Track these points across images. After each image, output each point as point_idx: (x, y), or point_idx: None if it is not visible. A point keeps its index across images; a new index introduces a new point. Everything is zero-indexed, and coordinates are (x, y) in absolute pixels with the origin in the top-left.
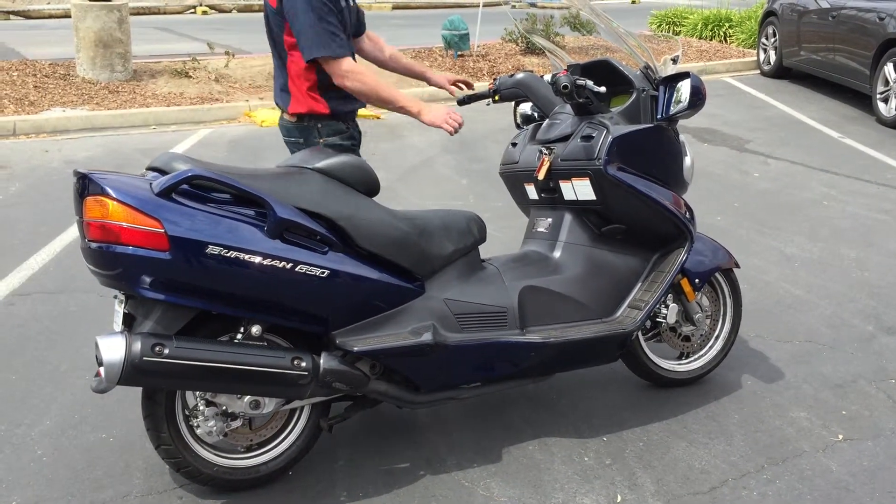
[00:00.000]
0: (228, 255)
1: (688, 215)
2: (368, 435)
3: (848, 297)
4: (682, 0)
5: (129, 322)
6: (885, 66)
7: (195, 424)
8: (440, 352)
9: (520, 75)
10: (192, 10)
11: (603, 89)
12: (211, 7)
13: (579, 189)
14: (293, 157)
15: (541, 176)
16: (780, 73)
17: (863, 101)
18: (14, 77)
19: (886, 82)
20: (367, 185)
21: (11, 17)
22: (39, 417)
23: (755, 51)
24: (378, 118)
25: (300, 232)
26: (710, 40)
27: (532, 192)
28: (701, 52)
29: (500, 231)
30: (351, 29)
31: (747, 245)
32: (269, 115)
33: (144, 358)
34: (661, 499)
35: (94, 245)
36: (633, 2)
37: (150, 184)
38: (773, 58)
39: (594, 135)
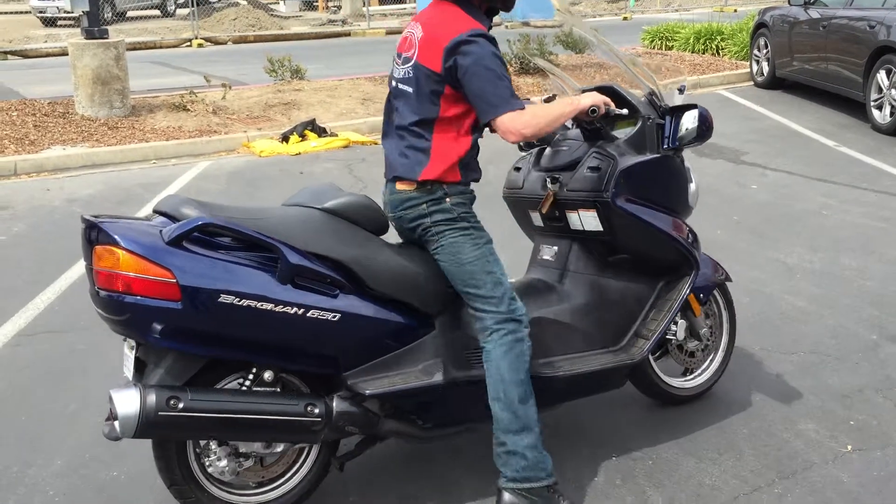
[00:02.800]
0: (240, 303)
1: (691, 239)
2: (380, 461)
3: (850, 306)
4: (673, 15)
5: (140, 367)
6: (878, 74)
7: (207, 464)
8: (450, 390)
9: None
10: (188, 44)
11: (625, 111)
12: (206, 40)
13: (586, 220)
14: (300, 195)
15: (545, 210)
16: (774, 83)
17: (857, 108)
18: (14, 117)
19: (880, 89)
20: (376, 223)
21: (9, 56)
22: (51, 457)
23: (748, 62)
24: (375, 143)
25: (311, 276)
26: (703, 54)
27: (537, 219)
28: (694, 66)
29: (501, 254)
30: None
31: (748, 257)
32: (267, 145)
33: (160, 413)
34: None
35: (103, 293)
36: (625, 18)
37: (160, 231)
38: (765, 69)
39: (601, 166)
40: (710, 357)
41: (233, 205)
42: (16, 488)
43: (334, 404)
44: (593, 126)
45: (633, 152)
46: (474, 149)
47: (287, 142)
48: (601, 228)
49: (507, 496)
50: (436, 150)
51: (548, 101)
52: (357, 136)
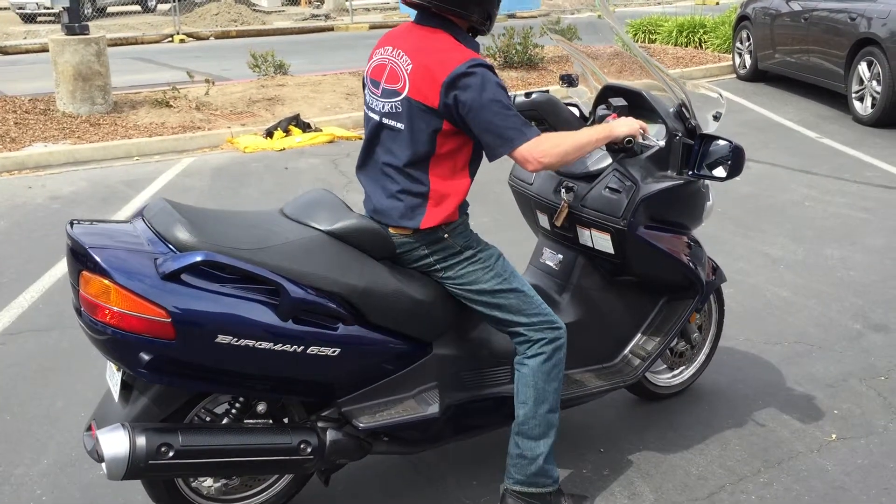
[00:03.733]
0: (238, 343)
1: (696, 253)
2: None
3: (834, 296)
4: (655, 9)
5: (126, 387)
6: (859, 66)
7: (193, 482)
8: (445, 415)
9: (537, 96)
10: (170, 39)
11: (661, 144)
12: (188, 35)
13: (598, 240)
14: (302, 206)
15: (559, 223)
16: (756, 76)
17: (838, 100)
18: None
19: (861, 81)
20: (381, 248)
21: None
22: (37, 457)
23: (730, 55)
24: (360, 139)
25: (313, 310)
26: (686, 47)
27: (544, 221)
28: (677, 59)
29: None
30: None
31: (732, 249)
32: (251, 141)
33: (150, 462)
34: None
35: (88, 317)
36: (599, 16)
37: (155, 260)
38: (748, 62)
39: (622, 189)
40: (697, 355)
41: (222, 210)
42: (1, 488)
43: (328, 438)
44: (623, 148)
45: (654, 169)
46: (471, 184)
47: (271, 137)
48: (612, 252)
49: (509, 500)
50: (434, 195)
51: (569, 82)
52: (342, 130)
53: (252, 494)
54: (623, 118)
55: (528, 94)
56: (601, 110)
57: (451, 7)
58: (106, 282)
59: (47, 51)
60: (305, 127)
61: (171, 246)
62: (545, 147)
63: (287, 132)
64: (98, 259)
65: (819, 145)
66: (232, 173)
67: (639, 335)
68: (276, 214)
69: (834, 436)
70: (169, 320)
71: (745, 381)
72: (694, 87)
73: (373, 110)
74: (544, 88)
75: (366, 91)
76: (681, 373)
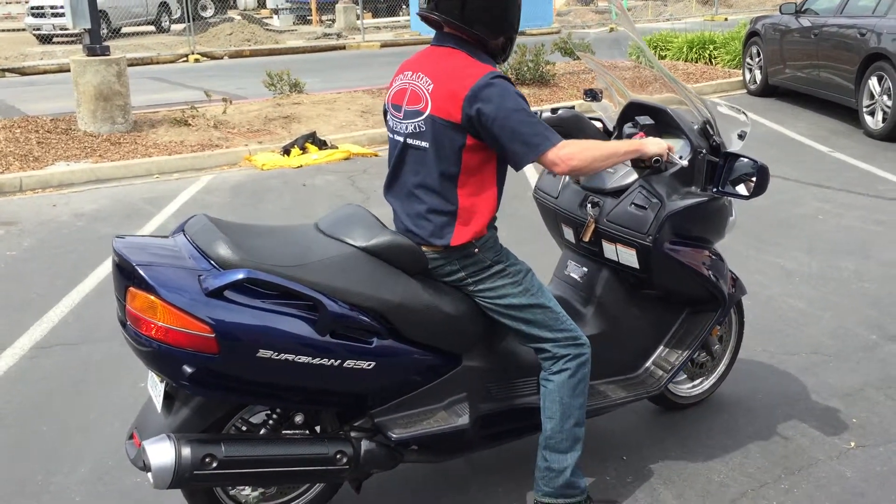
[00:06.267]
0: (278, 357)
1: (718, 267)
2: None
3: (849, 308)
4: (664, 25)
5: (168, 397)
6: (870, 80)
7: (231, 490)
8: (474, 426)
9: (563, 112)
10: (185, 59)
11: (685, 163)
12: (203, 55)
13: (623, 255)
14: (336, 221)
15: (586, 238)
16: (767, 91)
17: (849, 115)
18: (17, 134)
19: (871, 95)
20: (414, 264)
21: (7, 74)
22: (74, 466)
23: (740, 71)
24: (376, 155)
25: (350, 325)
26: (696, 62)
27: (569, 234)
28: (688, 75)
29: None
30: None
31: (747, 262)
32: (269, 158)
33: (195, 472)
34: None
35: (133, 330)
36: (611, 29)
37: (199, 277)
38: (758, 77)
39: (647, 206)
40: (718, 366)
41: (259, 224)
42: (40, 496)
43: (362, 448)
44: (649, 165)
45: (679, 186)
46: (499, 199)
47: (288, 155)
48: (637, 266)
49: None
50: (463, 212)
51: (593, 97)
52: (357, 148)
53: (287, 502)
54: (652, 138)
55: (554, 111)
56: (628, 128)
57: (455, 21)
58: (152, 298)
59: (64, 71)
60: (322, 144)
61: (213, 262)
62: (573, 150)
63: (304, 150)
64: (145, 276)
65: (831, 159)
66: (251, 190)
67: (661, 347)
68: (312, 230)
69: (853, 443)
70: (213, 335)
71: (764, 391)
72: (719, 107)
73: (397, 133)
74: (570, 104)
75: (388, 117)
76: (701, 383)
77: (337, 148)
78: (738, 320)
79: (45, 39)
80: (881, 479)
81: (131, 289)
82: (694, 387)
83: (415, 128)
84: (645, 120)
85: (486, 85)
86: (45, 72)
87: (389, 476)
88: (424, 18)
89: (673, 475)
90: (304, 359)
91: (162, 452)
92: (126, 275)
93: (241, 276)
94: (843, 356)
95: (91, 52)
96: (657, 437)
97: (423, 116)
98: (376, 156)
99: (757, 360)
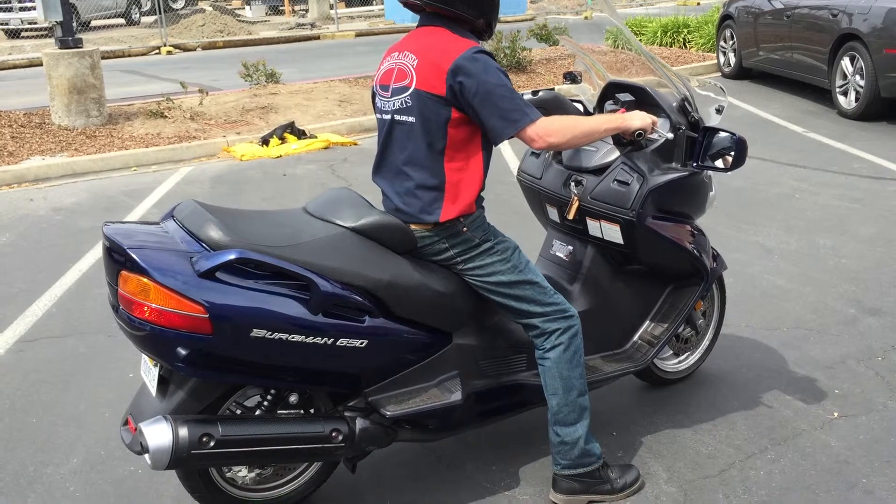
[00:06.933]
0: (272, 336)
1: (700, 241)
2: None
3: (828, 283)
4: (638, 10)
5: (163, 382)
6: (842, 61)
7: (227, 472)
8: (466, 402)
9: (543, 93)
10: (157, 51)
11: (671, 135)
12: (175, 47)
13: (607, 231)
14: (325, 203)
15: (570, 216)
16: (741, 73)
17: (823, 95)
18: None
19: (844, 76)
20: (403, 243)
21: None
22: (66, 456)
23: (714, 54)
24: (356, 144)
25: (342, 304)
26: (671, 47)
27: (554, 214)
28: (663, 59)
29: None
30: None
31: (728, 241)
32: (247, 149)
33: (193, 451)
34: (675, 485)
35: (126, 314)
36: (586, 17)
37: (191, 258)
38: (732, 60)
39: (629, 181)
40: (702, 341)
41: (249, 209)
42: (34, 487)
43: (357, 426)
44: (631, 142)
45: (660, 162)
46: (486, 175)
47: (267, 145)
48: (622, 242)
49: (562, 483)
50: (450, 187)
51: (572, 80)
52: (336, 137)
53: (283, 483)
54: (636, 112)
55: (535, 93)
56: (609, 105)
57: (439, 4)
58: (145, 280)
59: (35, 66)
60: (300, 134)
61: (204, 245)
62: (552, 126)
63: (282, 140)
64: (137, 258)
65: (806, 140)
66: (231, 181)
67: (647, 322)
68: (301, 213)
69: (836, 414)
70: (206, 316)
71: (748, 365)
72: (696, 83)
73: (384, 111)
74: (549, 88)
75: (376, 100)
76: (686, 358)
77: (316, 137)
78: (720, 296)
79: (14, 34)
80: (865, 447)
81: (123, 272)
82: (680, 362)
83: (401, 104)
84: (626, 97)
85: (469, 59)
86: (14, 66)
87: (385, 458)
88: (405, 4)
89: (662, 449)
90: (297, 338)
91: (159, 433)
92: (117, 259)
93: (232, 256)
94: (824, 330)
95: (64, 44)
96: (646, 412)
97: (409, 91)
98: (356, 144)
99: (740, 335)
